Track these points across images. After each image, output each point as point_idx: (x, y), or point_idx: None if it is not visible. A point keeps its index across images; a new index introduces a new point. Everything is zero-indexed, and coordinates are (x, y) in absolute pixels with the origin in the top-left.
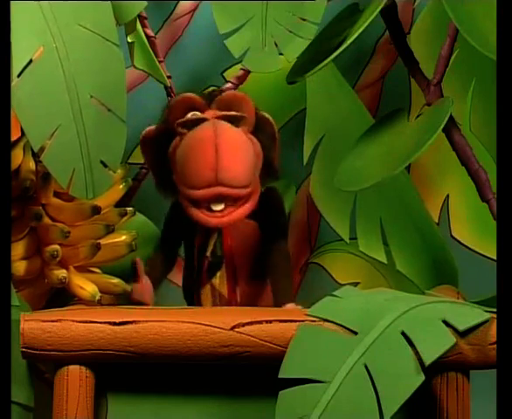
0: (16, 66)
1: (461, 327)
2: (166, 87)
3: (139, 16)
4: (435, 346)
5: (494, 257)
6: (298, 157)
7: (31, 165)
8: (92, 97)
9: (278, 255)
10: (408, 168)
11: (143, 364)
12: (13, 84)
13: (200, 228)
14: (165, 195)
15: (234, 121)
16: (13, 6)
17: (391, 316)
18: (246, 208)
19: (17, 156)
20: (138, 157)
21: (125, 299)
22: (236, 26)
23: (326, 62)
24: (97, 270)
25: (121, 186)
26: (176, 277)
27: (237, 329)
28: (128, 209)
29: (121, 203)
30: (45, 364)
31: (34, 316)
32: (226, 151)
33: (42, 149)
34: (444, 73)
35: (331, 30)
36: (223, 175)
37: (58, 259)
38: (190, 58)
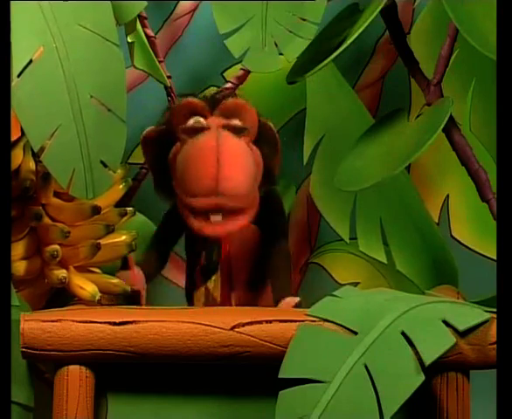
0: (16, 66)
1: (461, 327)
2: (166, 87)
3: (139, 16)
4: (435, 346)
5: (494, 257)
6: (298, 157)
7: (31, 165)
8: (92, 97)
9: (279, 256)
10: (408, 168)
11: (143, 364)
12: (13, 84)
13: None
14: (163, 198)
15: (237, 131)
16: (13, 6)
17: (391, 316)
18: (245, 219)
19: (17, 156)
20: (138, 157)
21: (124, 299)
22: (236, 26)
23: (326, 62)
24: (97, 270)
25: (121, 186)
26: (177, 277)
27: (237, 329)
28: (128, 209)
29: (121, 203)
30: (45, 364)
31: (34, 316)
32: (228, 162)
33: (42, 149)
34: (444, 73)
35: (331, 30)
36: (223, 186)
37: (58, 259)
38: (190, 58)
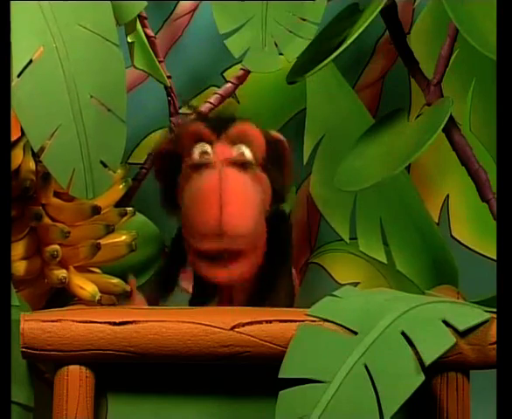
0: (16, 66)
1: (461, 327)
2: (166, 87)
3: (139, 16)
4: (435, 346)
5: (494, 257)
6: (298, 157)
7: (31, 165)
8: (92, 97)
9: (280, 281)
10: (408, 168)
11: (143, 364)
12: (13, 84)
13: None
14: (170, 212)
15: (242, 167)
16: (13, 6)
17: (391, 316)
18: (252, 265)
19: (17, 156)
20: (138, 157)
21: (125, 299)
22: (236, 26)
23: (326, 62)
24: (97, 270)
25: (121, 186)
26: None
27: (237, 329)
28: (128, 209)
29: (121, 203)
30: (45, 364)
31: (34, 316)
32: (231, 201)
33: (42, 149)
34: (444, 73)
35: (331, 30)
36: (227, 227)
37: (58, 259)
38: (190, 58)
